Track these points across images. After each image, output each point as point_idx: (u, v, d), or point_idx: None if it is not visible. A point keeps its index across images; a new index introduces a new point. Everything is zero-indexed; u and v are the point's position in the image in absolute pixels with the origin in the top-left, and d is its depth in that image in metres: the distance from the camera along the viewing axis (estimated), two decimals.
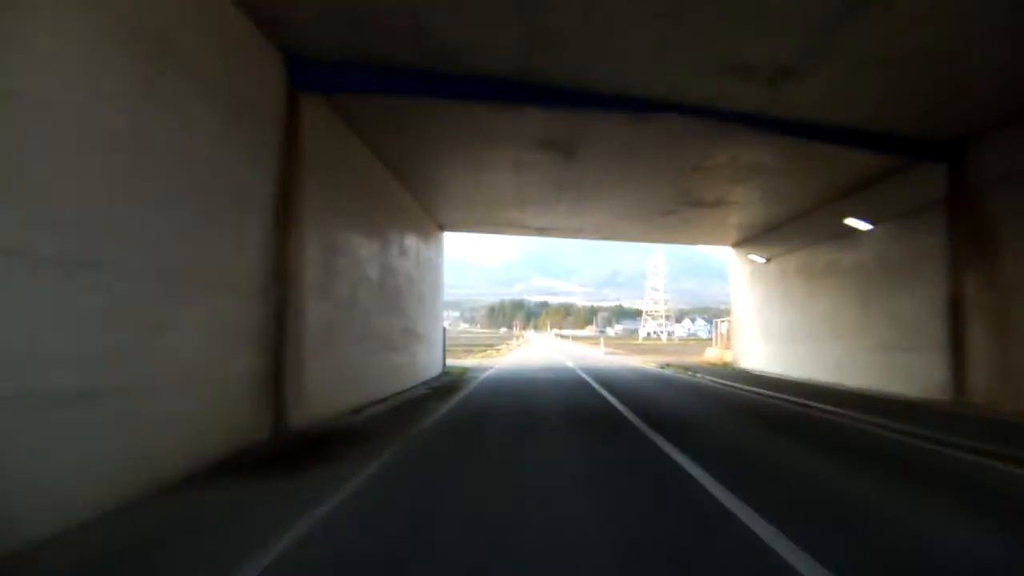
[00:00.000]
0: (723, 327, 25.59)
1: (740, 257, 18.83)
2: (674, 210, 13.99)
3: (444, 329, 18.99)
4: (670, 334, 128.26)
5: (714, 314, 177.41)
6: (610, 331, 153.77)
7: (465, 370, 17.79)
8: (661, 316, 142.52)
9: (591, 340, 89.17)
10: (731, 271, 19.89)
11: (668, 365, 19.45)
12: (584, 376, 15.71)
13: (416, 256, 13.40)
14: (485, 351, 41.42)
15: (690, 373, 16.61)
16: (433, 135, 9.18)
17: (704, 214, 14.50)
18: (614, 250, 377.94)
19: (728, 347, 23.59)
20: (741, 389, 12.09)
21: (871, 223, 11.61)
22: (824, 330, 13.53)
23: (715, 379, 14.37)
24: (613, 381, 14.12)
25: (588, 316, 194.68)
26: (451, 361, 24.33)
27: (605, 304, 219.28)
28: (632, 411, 8.47)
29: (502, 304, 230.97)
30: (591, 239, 18.64)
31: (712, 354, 25.36)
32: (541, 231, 16.93)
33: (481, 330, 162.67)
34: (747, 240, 17.80)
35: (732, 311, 20.11)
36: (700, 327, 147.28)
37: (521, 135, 9.00)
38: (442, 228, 16.61)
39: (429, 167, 10.99)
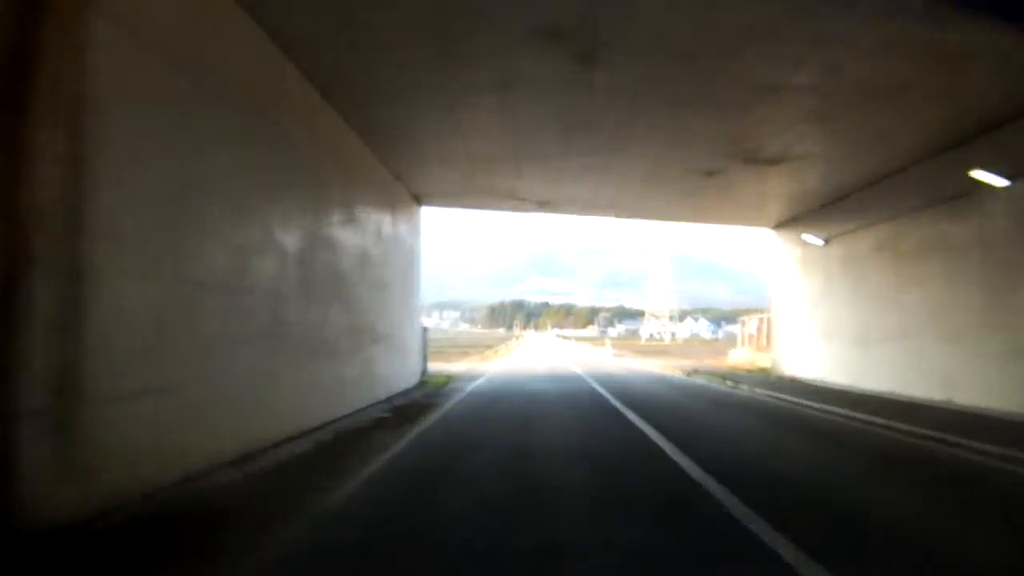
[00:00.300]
0: (751, 326, 22.25)
1: (786, 240, 15.44)
2: (718, 170, 10.60)
3: (425, 329, 15.67)
4: (673, 335, 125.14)
5: (716, 315, 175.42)
6: (611, 331, 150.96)
7: (449, 379, 14.45)
8: (664, 316, 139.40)
9: (594, 340, 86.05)
10: (773, 258, 16.51)
11: (696, 372, 16.09)
12: (598, 388, 12.34)
13: (377, 231, 10.04)
14: (482, 352, 38.14)
15: (729, 383, 13.24)
16: (387, 33, 5.85)
17: (754, 177, 11.12)
18: (614, 250, 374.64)
19: (762, 349, 20.25)
20: (823, 411, 8.71)
21: (1006, 178, 8.26)
22: (922, 329, 10.15)
23: (772, 394, 10.99)
24: (638, 396, 10.74)
25: (589, 316, 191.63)
26: (439, 366, 21.00)
27: (606, 304, 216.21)
28: (694, 459, 5.06)
29: (502, 304, 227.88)
30: (605, 216, 15.23)
31: (739, 358, 22.02)
32: (543, 206, 13.55)
33: (482, 330, 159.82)
34: (799, 217, 14.41)
35: (771, 307, 16.73)
36: (703, 328, 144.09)
37: (516, 16, 5.64)
38: (419, 200, 13.23)
39: (388, 101, 7.65)
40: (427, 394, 11.05)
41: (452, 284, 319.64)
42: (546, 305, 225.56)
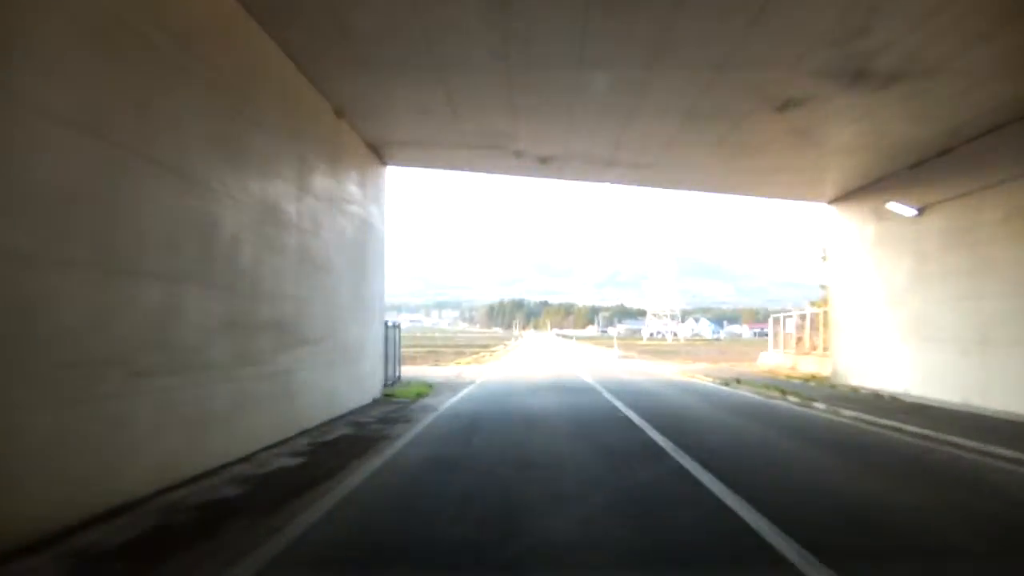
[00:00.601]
0: (789, 325, 19.05)
1: (854, 215, 12.24)
2: (799, 99, 7.38)
3: (396, 327, 12.51)
4: (675, 335, 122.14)
5: (716, 314, 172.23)
6: (611, 331, 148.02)
7: (425, 390, 11.24)
8: (666, 316, 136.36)
9: (595, 340, 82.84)
10: (831, 240, 13.34)
11: (738, 382, 12.85)
12: (621, 407, 9.12)
13: (301, 183, 6.82)
14: (477, 353, 35.00)
15: (793, 399, 9.98)
16: None
17: (847, 112, 7.92)
18: (614, 250, 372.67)
19: (804, 352, 17.08)
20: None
21: None
22: None
23: (873, 419, 7.73)
24: (688, 426, 7.40)
25: (589, 316, 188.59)
26: (423, 370, 17.85)
27: (605, 304, 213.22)
28: None
29: (502, 304, 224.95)
30: (622, 182, 11.97)
31: (774, 362, 18.81)
32: (546, 164, 10.30)
33: (480, 330, 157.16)
34: (878, 183, 11.19)
35: (831, 301, 13.56)
36: (704, 327, 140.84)
37: None
38: (380, 155, 10.00)
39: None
40: (383, 417, 7.84)
41: (451, 283, 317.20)
42: (546, 304, 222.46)
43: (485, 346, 47.44)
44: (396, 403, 9.36)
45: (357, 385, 8.83)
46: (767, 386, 11.53)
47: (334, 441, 6.12)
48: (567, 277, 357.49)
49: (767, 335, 23.05)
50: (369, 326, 9.58)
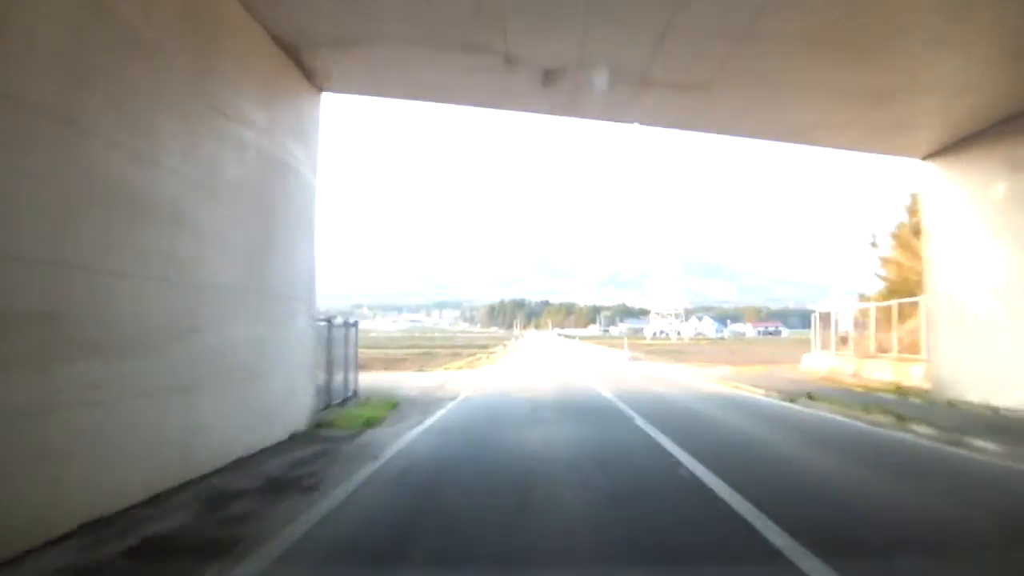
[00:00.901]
0: (844, 321, 15.77)
1: (965, 172, 8.99)
2: None
3: (347, 325, 9.30)
4: (678, 334, 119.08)
5: (719, 313, 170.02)
6: (613, 330, 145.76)
7: (383, 413, 7.99)
8: (671, 315, 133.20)
9: (599, 339, 79.73)
10: (931, 208, 10.11)
11: (810, 397, 9.54)
12: (667, 446, 5.87)
13: (98, 60, 3.60)
14: (474, 354, 31.89)
15: (934, 431, 6.54)
16: None
17: None
18: (615, 249, 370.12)
19: (867, 355, 13.84)
20: None
21: None
22: None
23: None
24: (844, 518, 4.21)
25: (591, 315, 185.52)
26: (403, 377, 14.68)
27: (607, 303, 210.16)
28: None
29: (503, 303, 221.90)
30: (654, 121, 8.64)
31: (824, 365, 15.55)
32: (551, 83, 6.96)
33: (480, 329, 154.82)
34: (1003, 125, 7.99)
35: (929, 289, 10.29)
36: (707, 326, 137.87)
37: None
38: (305, 68, 6.71)
39: None
40: (277, 479, 4.59)
41: (452, 283, 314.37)
42: (547, 304, 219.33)
43: (483, 347, 44.42)
44: (323, 441, 6.11)
45: (255, 417, 5.58)
46: (865, 407, 8.18)
47: (98, 568, 2.88)
48: (568, 277, 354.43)
49: (772, 333, 19.86)
50: (282, 324, 6.30)
